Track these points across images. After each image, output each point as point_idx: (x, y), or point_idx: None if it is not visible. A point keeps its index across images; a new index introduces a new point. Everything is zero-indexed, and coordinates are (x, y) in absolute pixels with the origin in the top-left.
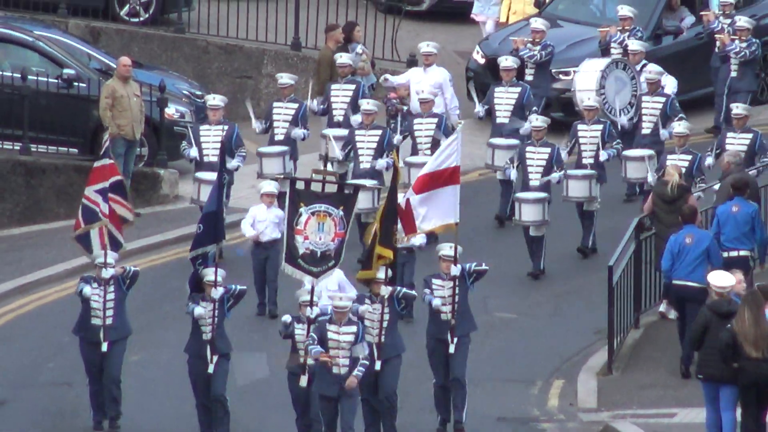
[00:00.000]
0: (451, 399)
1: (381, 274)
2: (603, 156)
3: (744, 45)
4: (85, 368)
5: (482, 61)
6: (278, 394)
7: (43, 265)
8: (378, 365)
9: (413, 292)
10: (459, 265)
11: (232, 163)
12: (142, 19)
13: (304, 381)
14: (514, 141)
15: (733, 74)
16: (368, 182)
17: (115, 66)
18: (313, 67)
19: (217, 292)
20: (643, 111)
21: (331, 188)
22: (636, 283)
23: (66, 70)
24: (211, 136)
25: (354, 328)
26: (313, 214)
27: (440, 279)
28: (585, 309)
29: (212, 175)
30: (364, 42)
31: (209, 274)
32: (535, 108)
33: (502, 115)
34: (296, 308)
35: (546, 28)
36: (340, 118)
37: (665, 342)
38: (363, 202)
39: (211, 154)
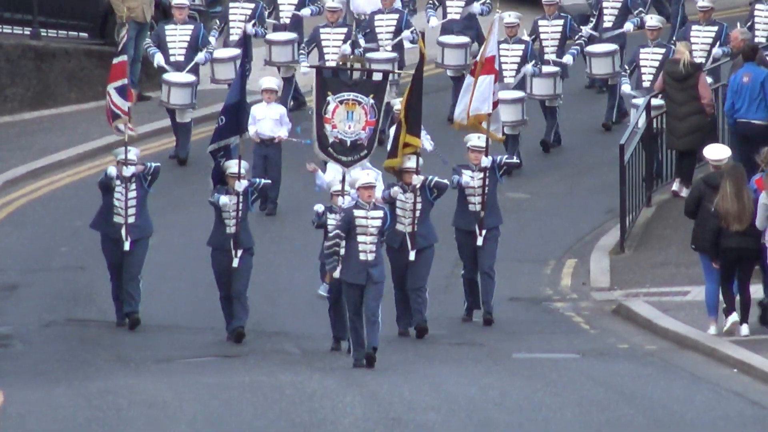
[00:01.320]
0: (480, 290)
1: (412, 164)
2: (567, 59)
3: None
4: (107, 265)
5: None
6: (300, 289)
7: (55, 150)
8: (412, 255)
9: (445, 181)
10: (490, 156)
11: (199, 57)
12: None
13: (338, 272)
14: (464, 39)
15: None
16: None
17: None
18: None
19: (240, 185)
20: (604, 4)
21: (359, 76)
22: (648, 161)
23: None
24: (177, 36)
25: (381, 212)
26: (341, 102)
27: (469, 170)
28: (597, 188)
29: (180, 77)
30: None
31: (232, 166)
32: (489, 1)
33: (454, 11)
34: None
35: None
36: (287, 21)
37: (677, 220)
38: None
39: (178, 54)
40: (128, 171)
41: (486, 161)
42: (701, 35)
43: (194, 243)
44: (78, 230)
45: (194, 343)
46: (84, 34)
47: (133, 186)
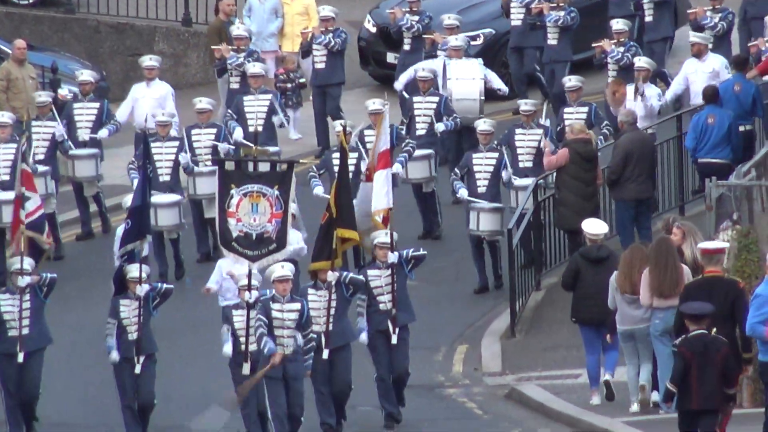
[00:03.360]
0: (394, 393)
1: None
2: (439, 127)
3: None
4: (0, 382)
5: (374, 30)
6: (192, 382)
7: None
8: (326, 354)
9: (360, 277)
10: (396, 252)
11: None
12: (31, 1)
13: (246, 368)
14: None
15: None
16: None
17: (6, 49)
18: (203, 42)
19: (142, 290)
20: (416, 112)
21: (264, 167)
22: (537, 244)
23: None
24: (41, 135)
25: (298, 305)
26: (245, 195)
27: (377, 269)
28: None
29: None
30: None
31: (133, 270)
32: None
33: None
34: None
35: None
36: (86, 138)
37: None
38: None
39: (3, 174)
40: (23, 281)
41: (393, 257)
42: (573, 117)
43: (84, 341)
44: None
45: None
46: None
47: (27, 297)
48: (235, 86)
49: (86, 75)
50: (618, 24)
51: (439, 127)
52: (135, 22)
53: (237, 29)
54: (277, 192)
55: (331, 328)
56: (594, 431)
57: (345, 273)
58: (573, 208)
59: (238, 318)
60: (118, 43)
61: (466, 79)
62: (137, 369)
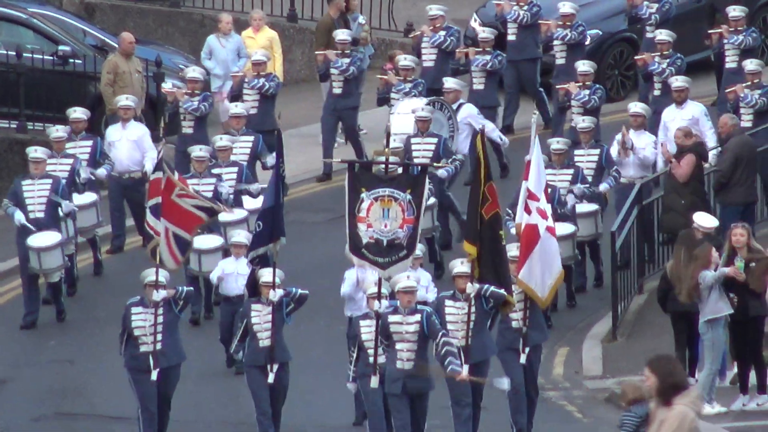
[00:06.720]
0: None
1: (466, 269)
2: (442, 174)
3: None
4: (138, 397)
5: (480, 28)
6: (337, 399)
7: None
8: (465, 370)
9: (502, 291)
10: None
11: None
12: None
13: (375, 381)
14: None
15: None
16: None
17: (110, 42)
18: (309, 38)
19: (275, 295)
20: (414, 153)
21: (396, 170)
22: (639, 248)
23: (61, 47)
24: (36, 191)
25: (418, 317)
26: (376, 199)
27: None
28: (588, 276)
29: (45, 237)
30: (361, 11)
31: (266, 275)
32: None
33: None
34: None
35: None
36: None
37: None
38: None
39: (37, 210)
40: (158, 295)
41: None
42: (585, 158)
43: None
44: (66, 324)
45: None
46: None
47: (161, 311)
48: (189, 131)
49: (79, 113)
50: (584, 66)
51: (442, 173)
52: (240, 17)
53: (192, 71)
54: (409, 196)
55: (470, 342)
56: None
57: (486, 286)
58: (682, 212)
59: (366, 329)
60: None
61: (406, 114)
62: (270, 378)
